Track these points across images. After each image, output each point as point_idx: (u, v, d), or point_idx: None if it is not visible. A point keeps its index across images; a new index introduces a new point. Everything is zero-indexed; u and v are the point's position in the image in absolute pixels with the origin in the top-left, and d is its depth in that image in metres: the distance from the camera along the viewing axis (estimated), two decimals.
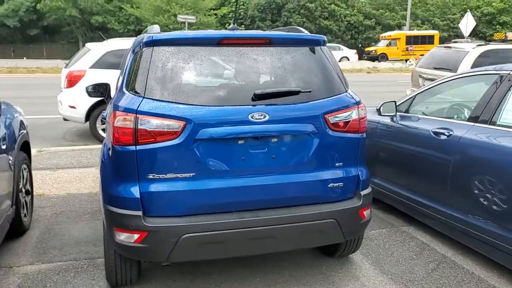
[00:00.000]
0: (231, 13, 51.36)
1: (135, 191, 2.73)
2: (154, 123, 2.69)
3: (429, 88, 4.34)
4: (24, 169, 4.20)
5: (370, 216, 3.25)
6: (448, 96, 4.32)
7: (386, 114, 4.42)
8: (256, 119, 2.79)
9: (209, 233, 2.75)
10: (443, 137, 3.74)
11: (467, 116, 3.76)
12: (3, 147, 3.51)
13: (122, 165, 2.75)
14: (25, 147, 4.26)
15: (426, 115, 4.23)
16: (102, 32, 49.29)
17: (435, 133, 3.82)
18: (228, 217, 2.79)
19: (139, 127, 2.69)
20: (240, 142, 2.80)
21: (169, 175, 2.74)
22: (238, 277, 3.41)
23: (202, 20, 45.79)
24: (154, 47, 2.87)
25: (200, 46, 2.92)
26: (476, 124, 3.53)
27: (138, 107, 2.71)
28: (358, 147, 3.10)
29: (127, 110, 2.72)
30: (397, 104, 4.51)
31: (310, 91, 2.97)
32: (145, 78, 2.80)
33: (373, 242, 4.06)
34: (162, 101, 2.74)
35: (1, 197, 3.41)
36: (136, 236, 2.73)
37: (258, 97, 2.82)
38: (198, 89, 2.85)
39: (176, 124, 2.70)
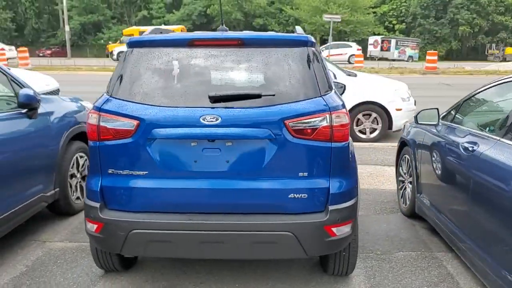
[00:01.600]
0: (391, 11, 49.38)
1: (97, 184, 2.92)
2: (112, 121, 2.85)
3: (478, 92, 3.69)
4: (81, 157, 4.73)
5: (348, 234, 2.93)
6: (496, 102, 3.61)
7: (424, 123, 3.90)
8: (207, 121, 2.75)
9: (156, 232, 2.81)
10: (468, 152, 3.18)
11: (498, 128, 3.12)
12: (41, 139, 4.04)
13: (92, 159, 2.96)
14: (82, 137, 4.77)
15: (464, 125, 3.62)
16: None
17: (465, 148, 3.25)
18: (178, 218, 2.81)
19: (101, 124, 2.87)
20: (193, 144, 2.80)
21: (125, 172, 2.87)
22: (221, 280, 3.39)
23: (359, 18, 44.94)
24: (132, 49, 3.02)
25: (171, 47, 2.99)
26: (502, 140, 2.92)
27: (101, 106, 2.90)
28: (330, 157, 2.83)
29: (94, 108, 2.92)
30: (447, 111, 3.94)
31: (273, 95, 2.81)
32: (115, 78, 2.98)
33: (388, 265, 3.64)
34: (124, 100, 2.88)
35: (37, 180, 3.94)
36: (95, 226, 2.92)
37: (214, 100, 2.78)
38: (158, 89, 2.91)
39: (130, 123, 2.81)
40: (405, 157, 4.79)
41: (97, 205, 2.90)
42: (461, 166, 3.24)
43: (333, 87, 3.11)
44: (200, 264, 3.57)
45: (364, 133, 8.63)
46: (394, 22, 49.84)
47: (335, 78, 8.48)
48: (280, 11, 49.96)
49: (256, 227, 2.77)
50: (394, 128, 8.54)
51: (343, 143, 2.88)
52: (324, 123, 2.80)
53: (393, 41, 42.41)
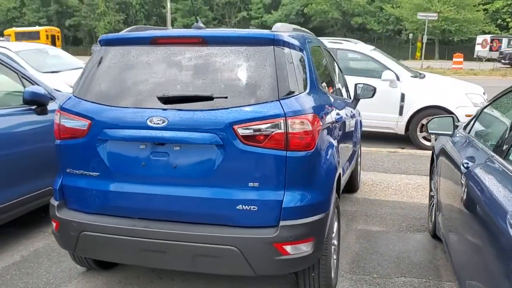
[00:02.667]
0: (506, 7, 45.32)
1: (58, 183, 2.92)
2: (70, 120, 2.83)
3: (497, 98, 3.11)
4: None
5: (308, 254, 2.62)
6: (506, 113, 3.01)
7: (436, 132, 3.40)
8: (154, 123, 2.61)
9: (103, 235, 2.74)
10: (463, 169, 2.69)
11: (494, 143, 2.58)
12: (50, 134, 4.18)
13: (56, 157, 2.97)
14: None
15: (475, 137, 3.06)
16: (361, 33, 50.38)
17: (464, 164, 2.76)
18: (123, 223, 2.71)
19: (61, 123, 2.87)
20: (141, 146, 2.68)
21: (79, 172, 2.83)
22: None
23: (467, 16, 41.80)
24: (101, 47, 2.99)
25: (134, 45, 2.89)
26: (494, 156, 2.41)
27: (63, 104, 2.89)
28: (285, 167, 2.55)
29: (59, 107, 2.93)
30: (470, 120, 3.40)
31: (225, 97, 2.60)
32: (80, 77, 2.96)
33: None
34: (81, 99, 2.84)
35: (45, 173, 4.10)
36: (54, 224, 2.93)
37: (164, 101, 2.64)
38: (113, 89, 2.83)
39: (83, 123, 2.77)
40: (434, 170, 4.25)
41: (56, 203, 2.90)
42: (458, 187, 2.75)
43: (311, 90, 2.82)
44: (179, 272, 3.44)
45: (429, 140, 7.91)
46: (509, 19, 45.57)
47: (398, 79, 7.90)
48: (380, 9, 48.15)
49: (199, 239, 2.58)
50: None
51: (305, 152, 2.58)
52: (277, 130, 2.52)
53: (504, 40, 38.80)
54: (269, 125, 2.52)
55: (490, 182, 2.22)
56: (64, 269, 3.56)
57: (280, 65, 2.66)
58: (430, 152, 7.67)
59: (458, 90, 8.04)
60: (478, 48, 39.72)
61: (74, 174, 2.85)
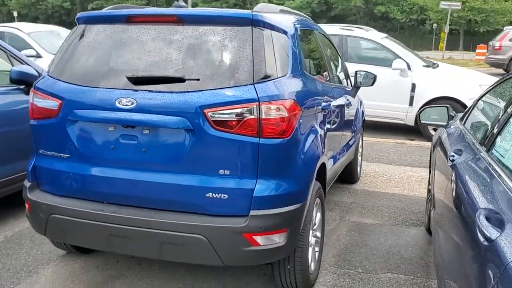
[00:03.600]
0: None
1: (31, 163, 2.85)
2: (42, 100, 2.74)
3: (491, 89, 2.91)
4: None
5: (280, 245, 2.50)
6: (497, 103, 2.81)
7: (428, 122, 3.21)
8: (122, 105, 2.51)
9: (71, 219, 2.66)
10: (449, 162, 2.52)
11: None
12: None
13: (30, 138, 2.90)
14: None
15: (467, 128, 2.88)
16: (384, 22, 49.48)
17: (450, 156, 2.59)
18: (91, 207, 2.63)
19: (33, 102, 2.79)
20: (110, 128, 2.58)
21: (51, 153, 2.75)
22: (169, 277, 3.16)
23: (494, 7, 40.60)
24: (78, 25, 2.89)
25: (110, 24, 2.78)
26: (479, 149, 2.24)
27: (36, 83, 2.81)
28: (257, 154, 2.42)
29: (33, 86, 2.85)
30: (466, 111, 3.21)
31: (197, 79, 2.47)
32: (56, 56, 2.87)
33: (362, 287, 3.09)
34: (54, 78, 2.75)
35: None
36: (27, 205, 2.87)
37: (134, 82, 2.53)
38: (86, 68, 2.72)
39: (54, 103, 2.68)
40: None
41: (28, 184, 2.84)
42: (447, 180, 2.59)
43: (293, 74, 2.68)
44: (158, 260, 3.36)
45: None
46: None
47: (409, 68, 7.65)
48: None
49: (166, 226, 2.48)
50: None
51: (279, 140, 2.45)
52: (250, 115, 2.39)
53: None
54: (241, 110, 2.39)
55: (470, 176, 2.07)
56: (45, 251, 3.51)
57: (258, 47, 2.52)
58: None
59: (471, 81, 7.75)
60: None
61: (46, 155, 2.77)
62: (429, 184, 4.28)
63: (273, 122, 2.43)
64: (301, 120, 2.64)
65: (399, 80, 7.65)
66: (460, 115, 3.42)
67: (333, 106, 3.55)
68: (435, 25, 42.97)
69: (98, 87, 2.60)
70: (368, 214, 4.40)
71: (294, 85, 2.69)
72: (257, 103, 2.39)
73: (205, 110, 2.41)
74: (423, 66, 7.97)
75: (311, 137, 2.83)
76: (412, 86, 7.69)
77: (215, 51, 2.56)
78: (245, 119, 2.40)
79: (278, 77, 2.55)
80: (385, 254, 3.57)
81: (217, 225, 2.43)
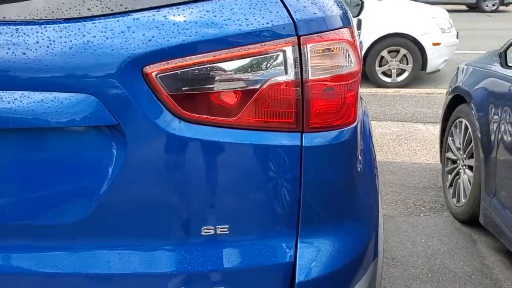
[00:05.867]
0: None
1: None
2: None
3: None
4: None
5: None
6: None
7: None
8: None
9: None
10: None
11: None
12: None
13: None
14: None
15: None
16: None
17: None
18: None
19: None
20: None
21: None
22: None
23: None
24: None
25: None
26: None
27: None
28: (299, 174, 0.94)
29: None
30: None
31: None
32: None
33: None
34: None
35: None
36: None
37: None
38: None
39: None
40: (461, 122, 2.83)
41: None
42: None
43: None
44: None
45: (390, 76, 6.57)
46: None
47: None
48: None
49: None
50: (429, 69, 6.46)
51: (341, 130, 0.97)
52: (278, 76, 0.88)
53: None
54: (255, 59, 0.87)
55: None
56: None
57: None
58: (395, 89, 6.41)
59: (422, 14, 6.70)
60: None
61: None
62: (445, 151, 3.08)
63: (327, 86, 0.93)
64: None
65: None
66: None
67: None
68: None
69: None
70: None
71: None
72: (295, 37, 0.88)
73: (148, 69, 0.85)
74: None
75: (366, 121, 1.38)
76: (358, 23, 6.45)
77: None
78: (268, 84, 0.88)
79: None
80: (429, 271, 2.32)
81: None
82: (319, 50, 0.90)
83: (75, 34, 0.83)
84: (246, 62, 0.86)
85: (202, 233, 0.92)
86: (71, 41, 0.83)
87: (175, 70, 0.85)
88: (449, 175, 3.00)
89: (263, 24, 0.86)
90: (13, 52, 0.83)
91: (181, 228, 0.93)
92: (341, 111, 0.95)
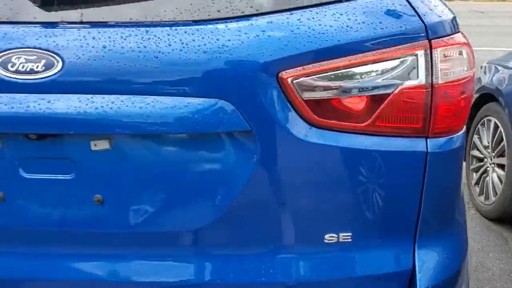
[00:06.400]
0: None
1: None
2: None
3: None
4: None
5: None
6: None
7: None
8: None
9: None
10: None
11: None
12: None
13: None
14: None
15: None
16: None
17: None
18: None
19: None
20: None
21: None
22: None
23: None
24: None
25: None
26: None
27: None
28: (422, 179, 0.92)
29: None
30: None
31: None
32: None
33: None
34: None
35: None
36: None
37: None
38: None
39: None
40: (489, 121, 2.84)
41: None
42: None
43: None
44: None
45: None
46: None
47: None
48: None
49: None
50: None
51: (453, 136, 0.96)
52: (415, 80, 0.87)
53: None
54: (388, 64, 0.85)
55: None
56: None
57: None
58: None
59: None
60: None
61: None
62: (472, 149, 3.09)
63: (453, 92, 0.92)
64: None
65: None
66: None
67: None
68: None
69: None
70: None
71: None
72: (426, 41, 0.86)
73: (282, 73, 0.82)
74: None
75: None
76: None
77: None
78: (398, 89, 0.86)
79: None
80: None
81: None
82: (446, 54, 0.89)
83: (208, 37, 0.80)
84: (380, 67, 0.85)
85: (325, 240, 0.90)
86: (205, 45, 0.80)
87: (310, 76, 0.82)
88: (475, 173, 3.01)
89: (396, 27, 0.84)
90: (144, 56, 0.80)
91: (305, 235, 0.91)
92: (459, 115, 0.94)
